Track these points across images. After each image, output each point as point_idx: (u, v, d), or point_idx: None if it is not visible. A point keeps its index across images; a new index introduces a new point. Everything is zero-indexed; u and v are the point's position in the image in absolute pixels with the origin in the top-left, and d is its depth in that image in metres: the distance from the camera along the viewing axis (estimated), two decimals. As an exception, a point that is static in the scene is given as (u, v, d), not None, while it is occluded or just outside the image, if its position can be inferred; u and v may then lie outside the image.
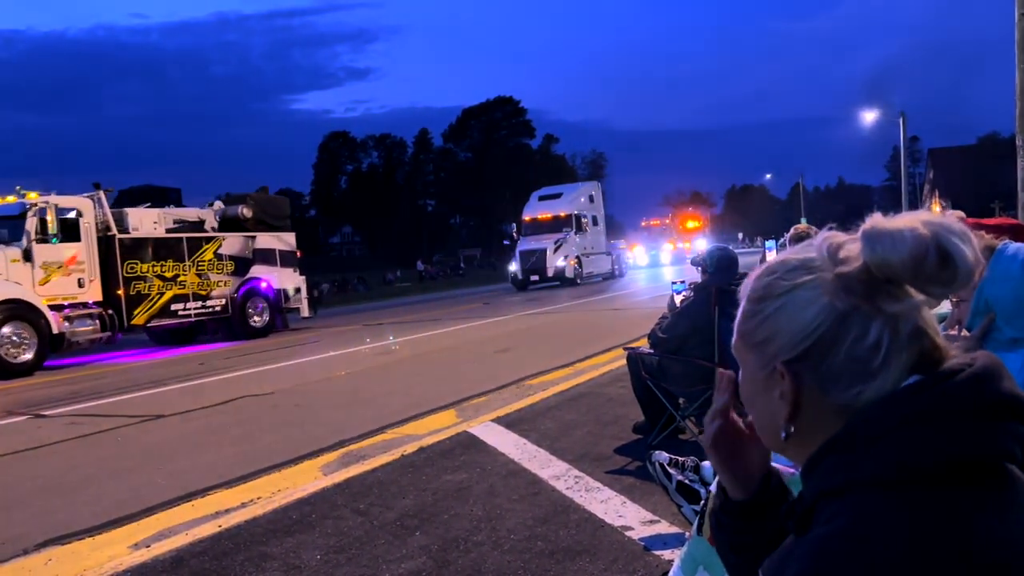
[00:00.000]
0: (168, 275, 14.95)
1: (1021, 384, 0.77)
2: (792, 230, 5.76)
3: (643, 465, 3.47)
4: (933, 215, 0.78)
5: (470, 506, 3.67)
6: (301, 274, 17.83)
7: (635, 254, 42.29)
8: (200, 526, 3.69)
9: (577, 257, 27.77)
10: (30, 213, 12.79)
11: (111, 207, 14.70)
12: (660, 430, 4.54)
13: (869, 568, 0.67)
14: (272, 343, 14.63)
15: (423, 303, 26.16)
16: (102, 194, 14.29)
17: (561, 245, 27.33)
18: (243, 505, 3.99)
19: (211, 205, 17.07)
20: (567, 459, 4.34)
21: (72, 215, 13.40)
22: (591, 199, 31.01)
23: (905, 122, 28.70)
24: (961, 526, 0.68)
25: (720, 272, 4.51)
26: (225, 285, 16.00)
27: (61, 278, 13.07)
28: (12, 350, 12.04)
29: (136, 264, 14.40)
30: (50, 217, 12.85)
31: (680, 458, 2.58)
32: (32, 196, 13.18)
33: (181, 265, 15.20)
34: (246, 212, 16.75)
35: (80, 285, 13.36)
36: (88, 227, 13.60)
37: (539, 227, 28.60)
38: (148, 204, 16.20)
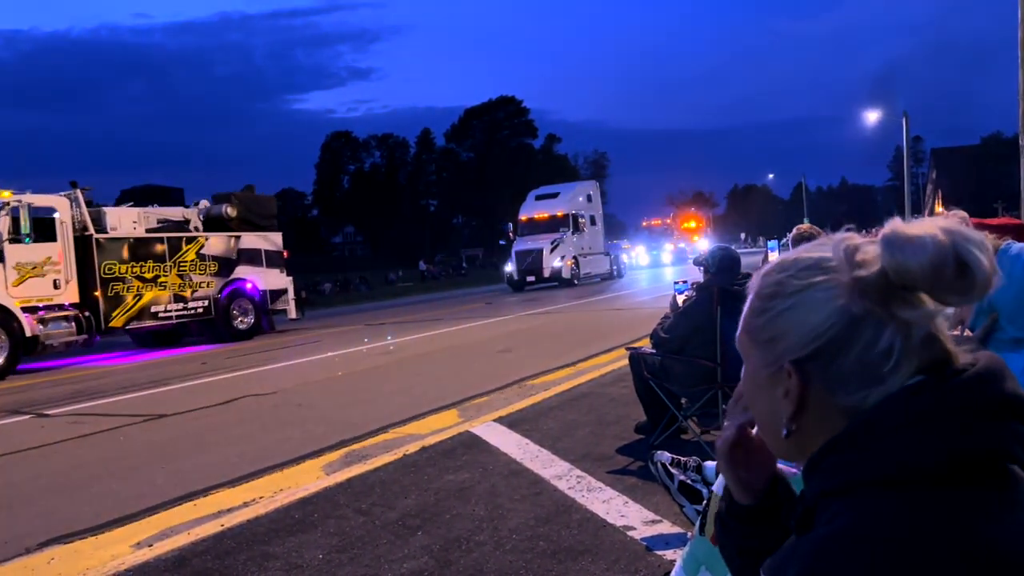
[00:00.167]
0: (148, 276, 14.42)
1: None
2: (795, 230, 5.73)
3: (645, 465, 3.48)
4: (951, 222, 0.77)
5: (472, 506, 3.67)
6: (288, 275, 17.26)
7: (635, 254, 42.22)
8: (202, 525, 3.69)
9: (574, 257, 27.47)
10: (2, 212, 12.30)
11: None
12: (662, 430, 4.54)
13: (870, 568, 0.67)
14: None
15: (425, 303, 26.12)
16: (79, 193, 13.79)
17: (558, 245, 26.99)
18: (245, 504, 4.00)
19: (196, 204, 16.68)
20: (569, 459, 4.34)
21: (47, 214, 12.85)
22: (589, 199, 30.64)
23: (908, 122, 28.58)
24: (962, 526, 0.68)
25: (722, 272, 4.51)
26: (208, 286, 15.47)
27: (35, 279, 12.60)
28: None
29: (114, 265, 13.89)
30: (23, 216, 12.35)
31: (682, 458, 2.58)
32: (5, 195, 12.64)
33: (162, 266, 14.68)
34: (230, 211, 16.23)
35: (55, 286, 12.89)
36: (64, 227, 13.12)
37: (536, 227, 28.22)
38: (131, 203, 15.79)
